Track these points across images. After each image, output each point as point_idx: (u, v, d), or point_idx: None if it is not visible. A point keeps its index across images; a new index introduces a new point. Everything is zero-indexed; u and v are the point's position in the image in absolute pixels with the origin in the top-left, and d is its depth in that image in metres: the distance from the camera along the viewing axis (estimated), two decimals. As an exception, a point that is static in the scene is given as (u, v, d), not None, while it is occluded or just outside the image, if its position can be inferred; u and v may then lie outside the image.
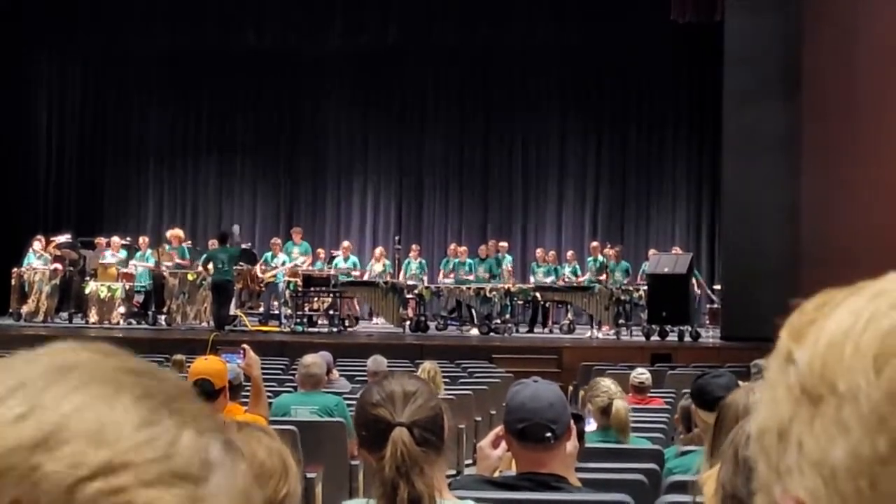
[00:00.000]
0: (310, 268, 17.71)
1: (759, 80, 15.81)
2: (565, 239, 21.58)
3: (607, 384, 5.19)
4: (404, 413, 2.49)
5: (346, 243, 19.05)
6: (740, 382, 4.49)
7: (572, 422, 3.20)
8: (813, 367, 0.64)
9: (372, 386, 2.66)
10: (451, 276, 17.87)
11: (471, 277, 17.63)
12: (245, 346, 5.17)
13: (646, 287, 16.54)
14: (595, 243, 19.06)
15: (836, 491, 0.60)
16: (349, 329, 17.28)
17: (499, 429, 3.26)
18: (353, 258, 18.38)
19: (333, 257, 18.52)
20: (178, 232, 18.12)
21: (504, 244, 19.10)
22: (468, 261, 18.01)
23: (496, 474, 3.31)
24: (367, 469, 6.94)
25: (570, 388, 10.89)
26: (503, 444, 3.24)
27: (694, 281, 16.70)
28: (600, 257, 18.19)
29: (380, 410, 2.50)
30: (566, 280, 18.09)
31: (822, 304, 0.67)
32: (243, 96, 22.28)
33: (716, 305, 17.82)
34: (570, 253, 19.14)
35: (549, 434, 3.08)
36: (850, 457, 0.59)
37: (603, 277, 17.56)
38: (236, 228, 17.86)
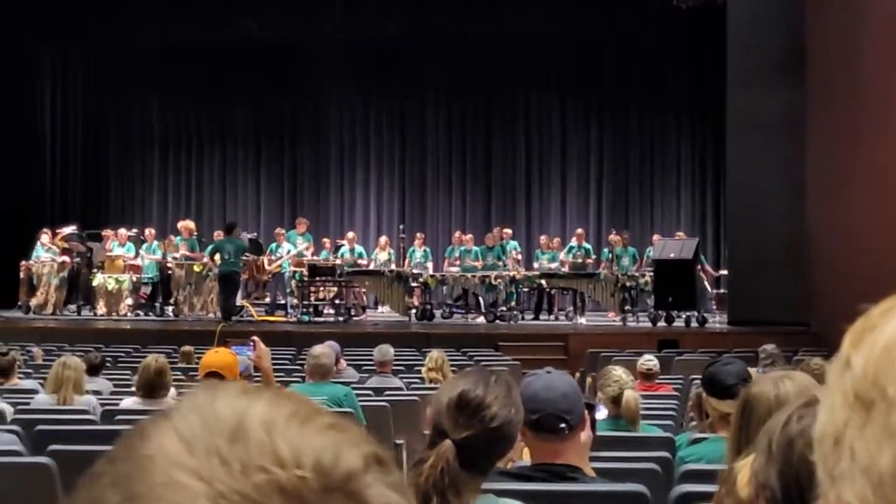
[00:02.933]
0: (314, 257, 17.73)
1: (763, 62, 15.75)
2: (569, 226, 21.55)
3: (619, 373, 5.18)
4: (464, 433, 2.38)
5: (350, 234, 19.05)
6: (750, 369, 4.49)
7: (586, 412, 3.20)
8: (866, 373, 0.63)
9: (470, 377, 2.53)
10: (457, 263, 17.85)
11: (478, 265, 17.61)
12: (255, 337, 5.16)
13: (651, 273, 16.51)
14: (580, 230, 19.02)
15: (883, 497, 0.60)
16: (355, 318, 17.29)
17: (512, 420, 3.25)
18: (359, 248, 18.38)
19: (339, 247, 18.54)
20: (189, 224, 18.09)
21: (508, 231, 19.10)
22: (474, 248, 17.98)
23: (509, 465, 3.31)
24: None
25: (577, 374, 10.88)
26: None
27: (699, 266, 16.68)
28: (585, 244, 18.26)
29: (447, 413, 2.42)
30: (563, 262, 18.09)
31: (886, 310, 0.66)
32: (245, 87, 22.24)
33: (722, 290, 17.80)
34: (579, 231, 19.04)
35: (563, 425, 3.07)
36: None
37: (590, 261, 17.71)
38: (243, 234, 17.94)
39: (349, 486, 0.60)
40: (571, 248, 18.41)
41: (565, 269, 17.96)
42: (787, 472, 1.65)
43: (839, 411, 0.64)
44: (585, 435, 3.20)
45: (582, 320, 17.12)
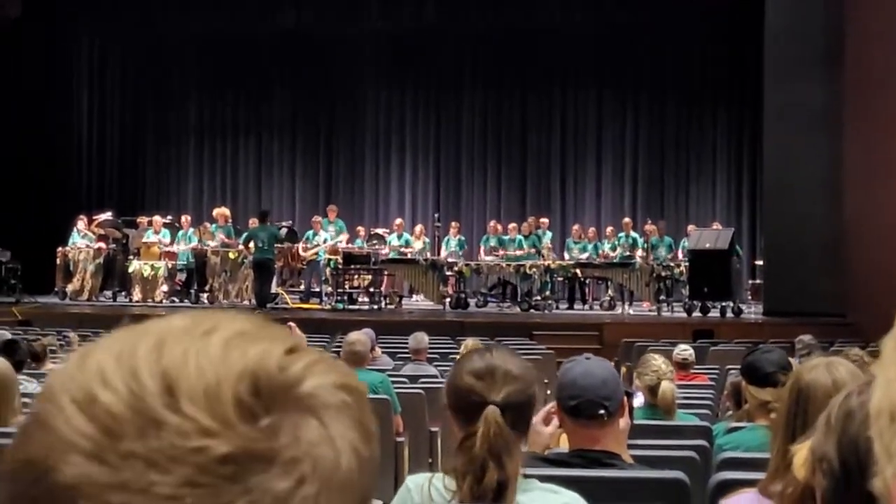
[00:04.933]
0: (349, 245, 17.77)
1: (801, 52, 15.60)
2: (604, 215, 21.48)
3: (658, 363, 5.16)
4: (501, 393, 2.46)
5: (398, 220, 19.09)
6: (790, 359, 4.46)
7: (625, 398, 3.19)
8: None
9: (475, 354, 2.63)
10: (492, 253, 17.82)
11: (520, 252, 17.55)
12: (292, 323, 5.19)
13: (687, 263, 16.42)
14: (627, 220, 18.92)
15: None
16: (389, 306, 17.31)
17: (551, 405, 3.25)
18: (406, 235, 18.36)
19: (373, 235, 18.56)
20: (225, 210, 18.16)
21: (545, 220, 19.04)
22: (518, 237, 17.91)
23: (546, 452, 3.30)
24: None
25: (612, 364, 10.84)
26: (555, 421, 3.23)
27: (735, 256, 16.57)
28: (633, 234, 18.12)
29: (477, 383, 2.49)
30: (605, 255, 18.00)
31: None
32: (281, 77, 22.32)
33: (758, 281, 17.68)
34: (609, 229, 19.03)
35: (602, 411, 3.07)
36: None
37: (640, 253, 17.50)
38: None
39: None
40: (620, 237, 18.27)
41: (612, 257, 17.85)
42: (845, 444, 1.64)
43: (895, 385, 0.63)
44: (624, 422, 3.19)
45: (629, 310, 17.04)
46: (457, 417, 2.52)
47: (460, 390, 2.52)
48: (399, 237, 18.18)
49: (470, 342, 8.98)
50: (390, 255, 17.49)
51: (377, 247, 17.85)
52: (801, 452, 2.02)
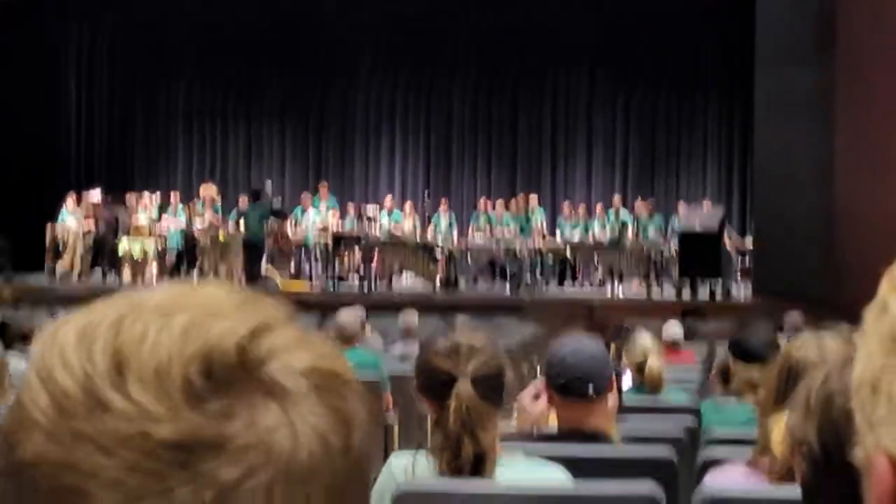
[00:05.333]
0: (340, 221, 17.74)
1: (792, 36, 15.59)
2: (594, 195, 21.48)
3: (645, 341, 5.18)
4: (469, 367, 2.50)
5: (389, 198, 19.04)
6: (778, 338, 4.48)
7: (614, 377, 3.21)
8: None
9: (438, 335, 2.67)
10: (482, 231, 17.83)
11: (507, 232, 17.55)
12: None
13: (677, 243, 16.44)
14: (617, 197, 18.90)
15: None
16: (380, 286, 17.31)
17: (539, 383, 3.27)
18: (397, 213, 18.32)
19: (364, 215, 18.51)
20: (212, 189, 18.10)
21: (534, 196, 18.98)
22: (505, 214, 17.91)
23: (535, 429, 3.32)
24: (400, 419, 6.99)
25: (601, 343, 10.85)
26: (543, 399, 3.25)
27: (726, 237, 16.59)
28: (623, 213, 18.09)
29: (445, 361, 2.52)
30: (595, 237, 17.98)
31: None
32: (272, 56, 22.18)
33: (747, 262, 17.73)
34: (598, 207, 18.98)
35: (590, 389, 3.08)
36: None
37: (629, 234, 17.48)
38: (268, 184, 17.87)
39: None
40: (609, 214, 18.20)
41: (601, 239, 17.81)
42: (826, 428, 1.64)
43: (876, 356, 0.63)
44: (612, 400, 3.21)
45: (619, 290, 17.02)
46: (429, 399, 2.55)
47: (429, 371, 2.55)
48: (389, 214, 18.16)
49: (460, 320, 9.01)
50: (380, 236, 17.48)
51: (368, 226, 17.82)
52: (777, 429, 2.04)
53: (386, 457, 5.85)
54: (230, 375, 0.56)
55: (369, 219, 18.20)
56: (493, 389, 2.52)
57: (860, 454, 0.65)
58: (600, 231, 18.03)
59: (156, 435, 0.54)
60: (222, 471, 0.53)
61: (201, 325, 0.57)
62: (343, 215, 18.33)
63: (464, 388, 2.45)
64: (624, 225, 17.79)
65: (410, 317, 9.11)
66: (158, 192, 18.69)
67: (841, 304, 13.64)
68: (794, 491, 1.79)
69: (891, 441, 0.61)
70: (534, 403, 3.26)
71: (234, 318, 0.58)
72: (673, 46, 21.29)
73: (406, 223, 18.11)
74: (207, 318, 0.58)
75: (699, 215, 16.59)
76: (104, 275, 17.96)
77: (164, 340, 0.56)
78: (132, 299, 0.61)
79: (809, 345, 2.77)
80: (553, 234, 18.62)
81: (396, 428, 6.89)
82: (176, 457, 0.53)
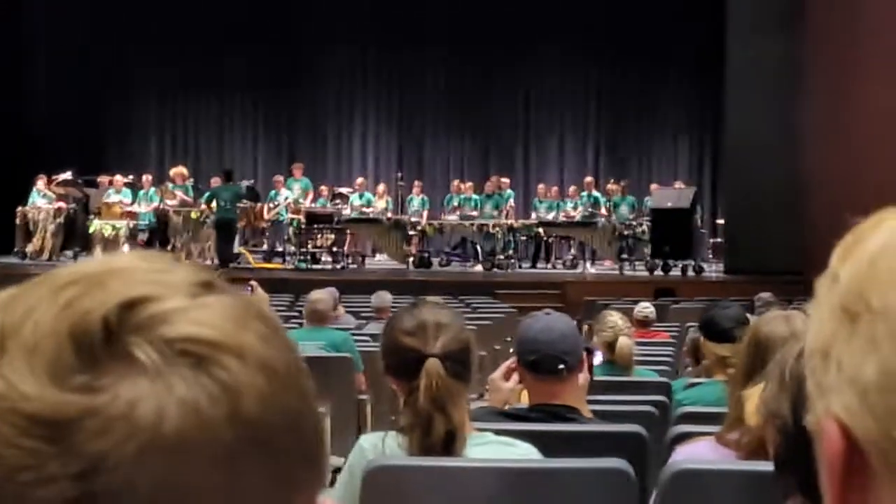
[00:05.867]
0: (312, 205, 17.69)
1: (763, 10, 15.67)
2: (567, 175, 21.53)
3: (615, 319, 5.20)
4: (437, 344, 2.49)
5: (360, 179, 18.98)
6: (748, 315, 4.51)
7: (585, 354, 3.22)
8: (852, 285, 0.64)
9: (403, 313, 2.66)
10: (456, 212, 17.83)
11: (475, 214, 17.58)
12: (254, 282, 5.18)
13: (649, 222, 16.51)
14: (589, 179, 18.91)
15: (868, 408, 0.61)
16: (353, 266, 17.30)
17: (510, 361, 3.28)
18: (368, 195, 18.28)
19: (337, 194, 18.47)
20: (182, 170, 18.03)
21: (506, 180, 18.99)
22: (474, 197, 17.94)
23: (507, 407, 3.33)
24: (375, 398, 7.00)
25: (574, 322, 10.89)
26: (515, 377, 3.26)
27: (697, 215, 16.68)
28: (595, 193, 18.10)
29: (411, 340, 2.51)
30: (568, 215, 18.01)
31: (875, 224, 0.67)
32: (243, 34, 22.05)
33: (719, 239, 17.82)
34: (572, 188, 19.05)
35: (561, 366, 3.10)
36: (881, 373, 0.60)
37: (602, 212, 17.51)
38: (249, 183, 17.89)
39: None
40: (583, 196, 18.20)
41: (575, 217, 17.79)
42: (799, 402, 1.66)
43: (827, 325, 0.65)
44: (583, 377, 3.22)
45: (591, 269, 17.08)
46: (397, 378, 2.55)
47: (396, 350, 2.54)
48: (360, 196, 18.13)
49: (430, 301, 9.01)
50: (353, 215, 17.45)
51: (340, 206, 17.78)
52: (752, 400, 2.05)
53: (359, 434, 5.84)
54: (96, 349, 0.56)
55: (342, 197, 18.17)
56: (461, 365, 2.52)
57: (812, 420, 0.67)
58: (573, 211, 18.05)
59: (23, 411, 0.54)
60: (89, 444, 0.54)
61: (82, 299, 0.58)
62: (316, 197, 18.27)
63: (433, 365, 2.44)
64: (596, 202, 17.82)
65: (383, 297, 9.11)
66: (131, 176, 18.52)
67: (812, 280, 13.77)
68: (761, 465, 1.81)
69: (839, 407, 0.63)
70: (505, 382, 3.27)
71: (116, 290, 0.58)
72: (645, 19, 21.32)
73: (379, 203, 18.07)
74: (92, 290, 0.58)
75: (671, 195, 16.66)
76: (75, 256, 17.84)
77: (45, 316, 0.57)
78: (43, 275, 0.61)
79: (777, 321, 2.80)
80: (527, 215, 18.65)
81: (369, 406, 6.89)
82: (46, 432, 0.54)
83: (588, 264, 17.29)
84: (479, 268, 17.17)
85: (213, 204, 16.22)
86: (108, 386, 0.55)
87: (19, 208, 17.66)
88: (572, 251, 17.87)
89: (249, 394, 0.58)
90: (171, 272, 0.62)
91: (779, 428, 1.72)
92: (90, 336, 0.56)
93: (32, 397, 0.54)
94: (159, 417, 0.55)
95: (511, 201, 18.26)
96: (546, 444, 2.75)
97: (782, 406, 1.70)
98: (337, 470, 2.81)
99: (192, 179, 18.37)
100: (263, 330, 0.62)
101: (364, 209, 17.76)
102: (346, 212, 17.49)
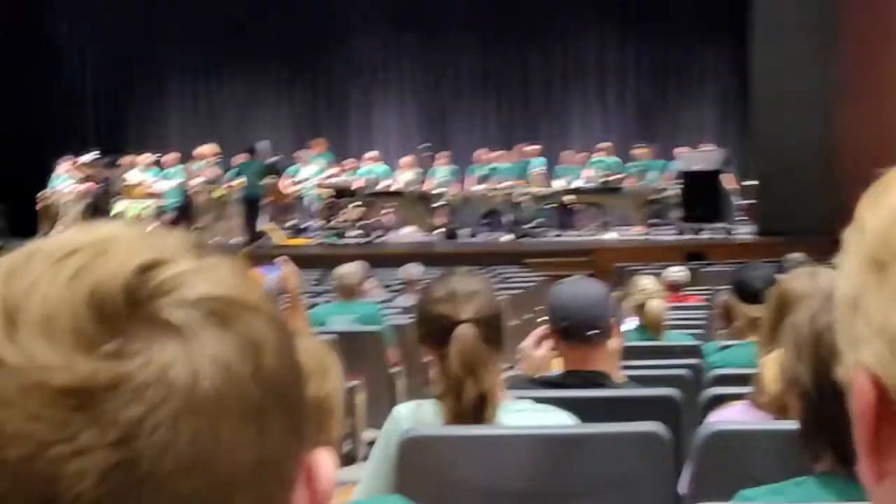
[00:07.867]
0: (337, 178, 17.66)
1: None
2: (594, 140, 21.38)
3: (645, 282, 5.19)
4: (468, 310, 2.51)
5: (374, 153, 18.88)
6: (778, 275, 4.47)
7: (614, 318, 3.21)
8: (879, 235, 0.64)
9: (434, 283, 2.69)
10: (481, 182, 17.76)
11: (502, 185, 17.49)
12: (285, 256, 5.19)
13: (678, 185, 16.37)
14: (604, 144, 18.71)
15: None
16: (380, 239, 17.30)
17: (542, 329, 3.27)
18: (383, 167, 18.23)
19: (356, 169, 18.41)
20: (206, 149, 17.96)
21: (536, 147, 18.81)
22: (498, 166, 17.86)
23: (539, 375, 3.33)
24: (407, 370, 7.01)
25: (604, 288, 10.83)
26: (546, 345, 3.25)
27: (727, 177, 16.52)
28: (612, 158, 17.93)
29: (443, 307, 2.53)
30: (588, 178, 17.78)
31: None
32: (267, 10, 22.01)
33: (750, 201, 17.68)
34: (582, 155, 18.77)
35: (592, 331, 3.09)
36: None
37: (618, 177, 17.34)
38: (266, 144, 17.73)
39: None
40: (594, 162, 18.11)
41: (593, 183, 17.68)
42: (818, 368, 1.64)
43: (855, 276, 0.65)
44: (615, 342, 3.21)
45: (612, 234, 16.92)
46: (431, 347, 2.56)
47: (429, 318, 2.56)
48: (384, 168, 18.06)
49: (461, 270, 9.00)
50: (378, 188, 17.43)
51: (365, 180, 17.75)
52: (770, 368, 2.03)
53: (392, 407, 5.86)
54: (120, 315, 0.56)
55: (367, 172, 18.13)
56: (493, 330, 2.54)
57: (841, 372, 0.67)
58: (597, 175, 17.91)
59: (51, 383, 0.54)
60: (123, 410, 0.54)
61: (90, 267, 0.57)
62: (340, 171, 18.24)
63: (464, 331, 2.46)
64: (609, 167, 17.65)
65: (412, 270, 9.12)
66: (156, 155, 18.50)
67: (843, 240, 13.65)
68: (795, 424, 1.80)
69: (870, 357, 0.62)
70: (537, 349, 3.26)
71: (124, 256, 0.58)
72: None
73: (405, 175, 17.98)
74: (97, 259, 0.58)
75: (699, 157, 16.53)
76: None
77: (53, 287, 0.57)
78: (30, 248, 0.61)
79: (802, 277, 2.77)
80: (551, 182, 18.54)
81: (403, 379, 6.90)
82: (75, 402, 0.53)
83: (617, 230, 17.17)
84: (506, 237, 17.12)
85: (238, 181, 16.24)
86: (139, 351, 0.55)
87: (40, 194, 17.66)
88: (601, 217, 17.73)
89: (268, 348, 0.59)
90: (162, 236, 0.62)
91: (799, 395, 1.70)
92: (112, 303, 0.56)
93: (58, 368, 0.54)
94: (193, 378, 0.56)
95: (539, 168, 18.13)
96: (579, 409, 2.74)
97: (801, 373, 1.68)
98: (372, 443, 2.83)
99: (220, 155, 18.29)
100: (259, 286, 0.63)
101: (385, 181, 17.65)
102: (372, 185, 17.38)
